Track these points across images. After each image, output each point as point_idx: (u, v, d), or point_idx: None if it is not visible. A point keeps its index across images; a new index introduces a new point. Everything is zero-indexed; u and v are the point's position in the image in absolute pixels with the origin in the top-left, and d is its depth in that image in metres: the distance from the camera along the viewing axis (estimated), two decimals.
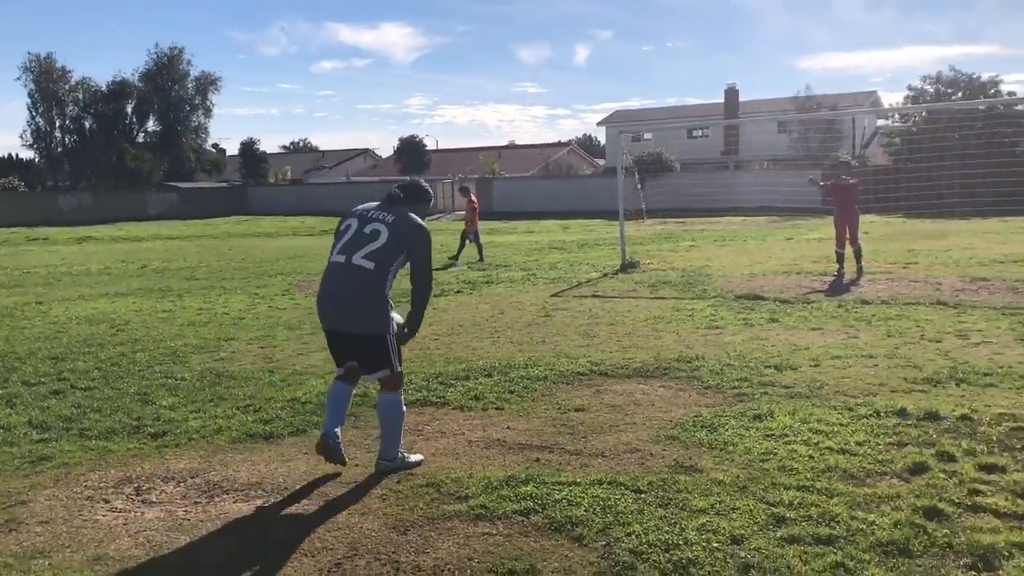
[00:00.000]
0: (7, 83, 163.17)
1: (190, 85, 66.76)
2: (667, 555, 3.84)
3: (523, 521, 4.30)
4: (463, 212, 19.35)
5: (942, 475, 4.72)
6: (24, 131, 69.48)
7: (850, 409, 6.05)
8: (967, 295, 11.35)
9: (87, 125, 64.44)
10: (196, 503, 4.78)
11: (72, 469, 5.38)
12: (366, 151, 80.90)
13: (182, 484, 5.08)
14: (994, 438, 5.32)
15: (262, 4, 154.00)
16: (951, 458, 4.98)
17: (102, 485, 5.08)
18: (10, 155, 66.11)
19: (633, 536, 4.04)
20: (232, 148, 77.37)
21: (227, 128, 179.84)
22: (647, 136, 55.79)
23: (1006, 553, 3.75)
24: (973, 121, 34.94)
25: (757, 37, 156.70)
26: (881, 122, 48.09)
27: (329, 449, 4.97)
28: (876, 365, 7.47)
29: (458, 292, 13.43)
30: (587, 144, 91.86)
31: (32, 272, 19.33)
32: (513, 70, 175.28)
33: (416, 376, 7.34)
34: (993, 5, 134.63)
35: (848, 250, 14.27)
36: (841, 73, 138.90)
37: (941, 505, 4.27)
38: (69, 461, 5.52)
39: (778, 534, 4.02)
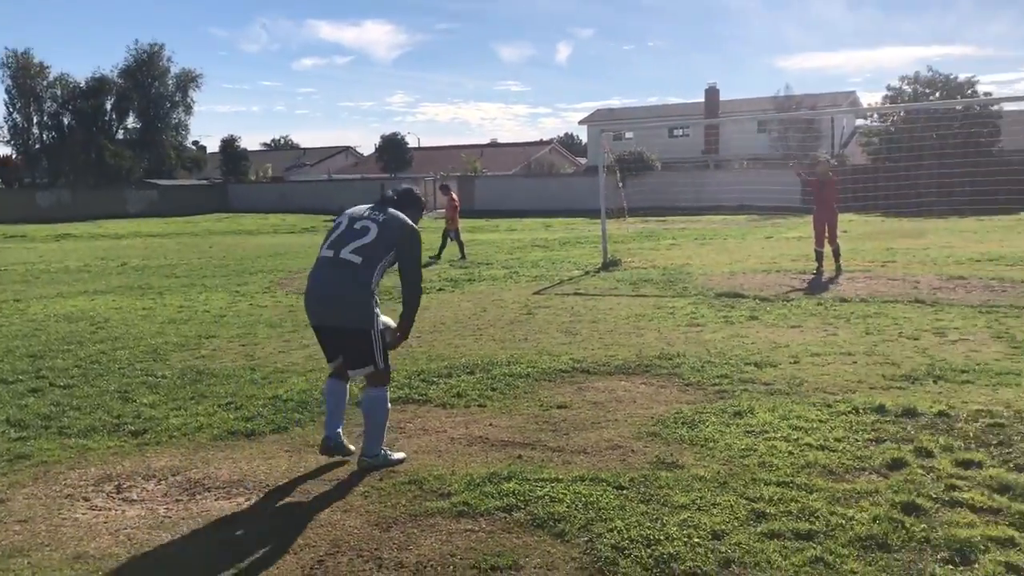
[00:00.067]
0: None
1: (170, 82, 66.36)
2: (649, 550, 3.87)
3: (505, 517, 4.32)
4: (443, 210, 19.31)
5: (920, 471, 4.78)
6: (1, 127, 68.82)
7: (829, 406, 6.10)
8: (944, 293, 11.46)
9: (66, 121, 63.90)
10: (177, 501, 4.76)
11: (51, 467, 5.34)
12: (347, 149, 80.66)
13: (163, 482, 5.06)
14: (971, 434, 5.38)
15: (243, 1, 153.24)
16: (929, 454, 5.04)
17: (82, 483, 5.05)
18: None
19: (615, 532, 4.06)
20: (213, 145, 76.93)
21: (208, 125, 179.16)
22: (628, 135, 55.95)
23: (982, 547, 3.80)
24: (950, 121, 35.29)
25: (738, 37, 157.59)
26: (860, 122, 48.50)
27: (329, 450, 5.20)
28: (855, 362, 7.53)
29: (440, 290, 13.42)
30: (569, 143, 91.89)
31: (9, 269, 19.15)
32: (495, 68, 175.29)
33: (398, 374, 7.34)
34: (970, 6, 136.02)
35: (827, 249, 14.37)
36: (821, 73, 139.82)
37: (919, 500, 4.32)
38: (48, 459, 5.48)
39: (758, 529, 4.06)
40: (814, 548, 3.83)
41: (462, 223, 20.21)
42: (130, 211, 50.06)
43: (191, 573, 3.92)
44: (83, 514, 4.59)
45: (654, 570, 3.71)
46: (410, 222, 5.20)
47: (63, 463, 5.41)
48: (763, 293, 11.94)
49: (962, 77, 41.62)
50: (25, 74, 62.02)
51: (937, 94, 40.67)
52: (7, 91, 62.73)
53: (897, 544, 3.87)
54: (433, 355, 8.30)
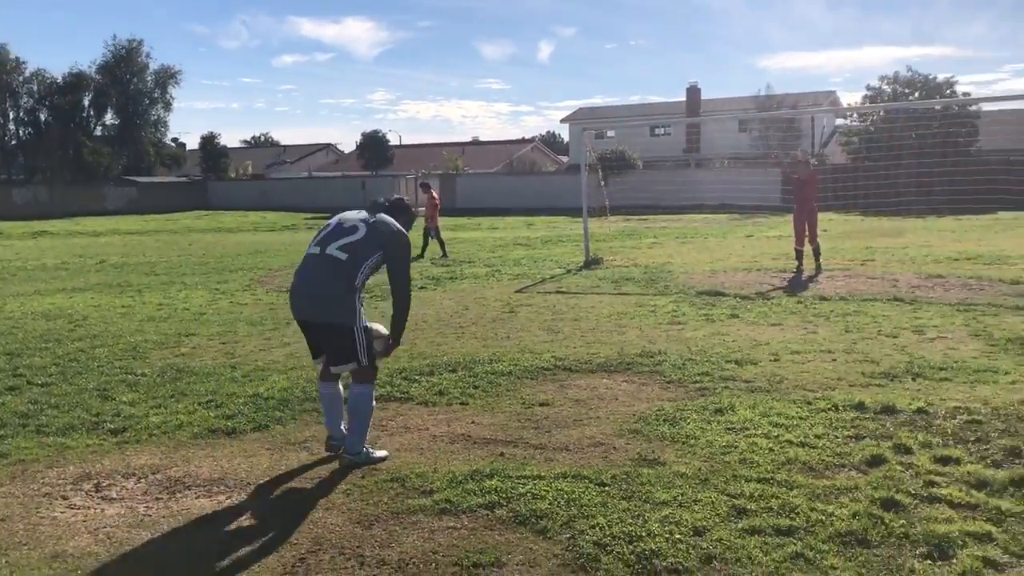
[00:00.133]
0: None
1: (149, 78, 65.68)
2: (631, 547, 3.88)
3: (488, 515, 4.32)
4: (423, 208, 19.29)
5: (899, 467, 4.82)
6: None
7: (809, 403, 6.14)
8: (923, 291, 11.56)
9: (42, 117, 63.19)
10: (157, 499, 4.73)
11: (29, 466, 5.29)
12: (328, 146, 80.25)
13: (143, 480, 5.02)
14: (949, 431, 5.43)
15: None
16: (907, 450, 5.09)
17: (60, 482, 5.01)
18: None
19: (597, 528, 4.07)
20: (192, 142, 76.48)
21: (187, 122, 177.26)
22: (610, 134, 56.07)
23: (960, 542, 3.84)
24: (929, 121, 35.56)
25: (720, 36, 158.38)
26: (840, 121, 48.68)
27: (334, 448, 5.33)
28: (834, 360, 7.59)
29: (422, 288, 13.40)
30: (551, 141, 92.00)
31: None
32: (477, 66, 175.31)
33: (380, 372, 7.30)
34: (949, 7, 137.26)
35: (807, 247, 14.46)
36: (801, 73, 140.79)
37: (898, 496, 4.36)
38: (26, 458, 5.43)
39: (739, 525, 4.08)
40: (795, 544, 3.86)
41: (443, 221, 20.19)
42: (108, 208, 49.67)
43: (171, 572, 3.90)
44: (62, 513, 4.55)
45: (636, 566, 3.73)
46: (401, 228, 5.23)
47: (41, 461, 5.36)
48: (744, 291, 12.00)
49: (941, 77, 42.02)
50: (1, 69, 61.29)
51: (916, 94, 41.01)
52: None
53: (876, 540, 3.91)
54: (415, 353, 8.29)
